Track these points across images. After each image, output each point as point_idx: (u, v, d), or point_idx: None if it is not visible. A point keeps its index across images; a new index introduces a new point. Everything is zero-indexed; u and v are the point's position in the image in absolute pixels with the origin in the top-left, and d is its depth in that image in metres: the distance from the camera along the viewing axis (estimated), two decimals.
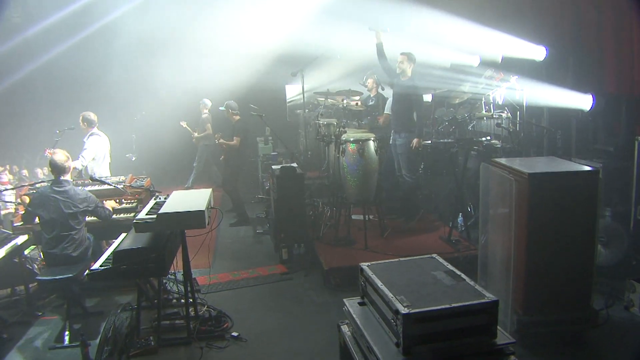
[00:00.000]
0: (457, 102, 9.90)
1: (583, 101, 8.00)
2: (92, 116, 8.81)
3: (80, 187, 6.60)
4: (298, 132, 13.22)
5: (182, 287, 6.28)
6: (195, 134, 13.11)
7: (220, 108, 10.39)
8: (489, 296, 3.24)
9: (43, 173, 9.15)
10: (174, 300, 6.80)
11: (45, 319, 6.65)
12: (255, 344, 5.86)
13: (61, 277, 5.94)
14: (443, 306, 3.15)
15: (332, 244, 8.30)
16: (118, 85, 12.67)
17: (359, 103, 11.28)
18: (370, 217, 8.79)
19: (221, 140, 10.24)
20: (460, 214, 8.58)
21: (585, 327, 5.53)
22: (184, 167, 13.60)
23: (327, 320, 6.11)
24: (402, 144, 8.72)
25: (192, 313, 6.14)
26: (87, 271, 5.47)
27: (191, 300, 6.12)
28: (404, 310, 3.08)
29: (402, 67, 8.65)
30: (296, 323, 6.38)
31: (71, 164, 6.63)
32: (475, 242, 7.79)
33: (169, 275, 6.62)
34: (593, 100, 7.93)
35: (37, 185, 7.06)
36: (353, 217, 8.86)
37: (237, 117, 10.21)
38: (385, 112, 10.25)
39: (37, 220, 6.40)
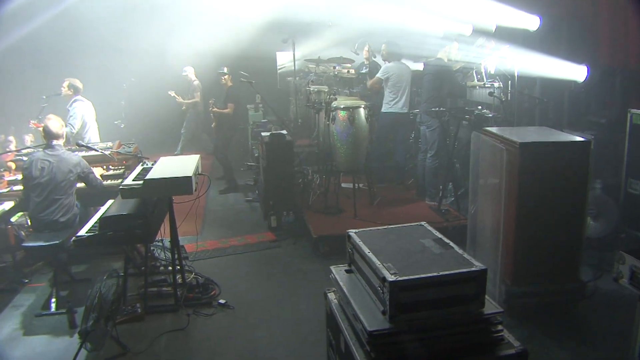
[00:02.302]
0: None
1: (577, 72, 7.93)
2: (78, 83, 8.72)
3: (74, 154, 6.54)
4: (289, 99, 13.13)
5: (169, 254, 6.24)
6: (183, 100, 12.97)
7: (220, 71, 10.25)
8: (478, 265, 3.20)
9: (31, 140, 9.04)
10: (162, 268, 6.77)
11: (31, 286, 6.64)
12: (243, 311, 5.86)
13: (48, 243, 5.91)
14: (431, 274, 3.11)
15: (321, 212, 8.29)
16: (105, 52, 12.51)
17: (351, 70, 11.20)
18: (360, 185, 8.75)
19: (214, 109, 10.15)
20: (451, 183, 8.55)
21: (574, 298, 5.55)
22: (174, 134, 13.50)
23: (315, 288, 6.08)
24: (430, 126, 8.64)
25: (180, 280, 6.13)
26: (73, 238, 5.42)
27: (178, 267, 6.10)
28: (391, 277, 3.04)
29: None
30: (284, 290, 6.39)
31: (64, 131, 6.59)
32: (464, 212, 7.78)
33: (157, 242, 6.58)
34: (587, 71, 7.86)
35: (24, 152, 6.99)
36: (343, 185, 8.85)
37: (231, 84, 10.13)
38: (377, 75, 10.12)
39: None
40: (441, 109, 8.35)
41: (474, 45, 9.27)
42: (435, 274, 3.13)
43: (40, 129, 6.63)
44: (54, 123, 6.36)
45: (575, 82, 7.99)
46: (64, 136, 6.60)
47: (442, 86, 8.56)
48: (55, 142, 6.33)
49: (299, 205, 8.57)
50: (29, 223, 6.57)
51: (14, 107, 10.98)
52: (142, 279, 6.07)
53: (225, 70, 10.21)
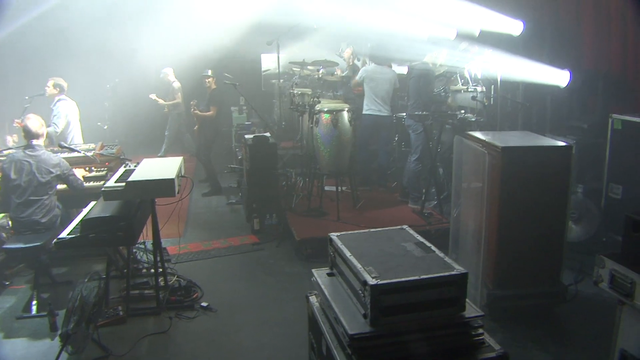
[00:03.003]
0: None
1: (560, 77, 7.99)
2: (63, 82, 8.67)
3: (54, 154, 6.50)
4: (273, 102, 13.12)
5: (151, 257, 6.23)
6: (165, 103, 12.92)
7: (204, 74, 10.24)
8: (458, 268, 3.22)
9: (13, 140, 8.98)
10: (144, 270, 6.76)
11: (12, 288, 6.60)
12: (225, 314, 5.85)
13: (29, 245, 5.87)
14: (412, 277, 3.12)
15: (305, 214, 8.29)
16: (89, 54, 12.42)
17: (339, 72, 11.20)
18: (343, 188, 8.76)
19: (196, 111, 10.13)
20: (434, 187, 8.58)
21: (555, 301, 5.60)
22: (157, 136, 13.45)
23: (298, 291, 6.09)
24: (415, 129, 8.67)
25: (162, 283, 6.11)
26: (55, 240, 5.39)
27: (161, 270, 6.08)
28: (372, 281, 3.05)
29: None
30: (267, 293, 6.38)
31: (44, 130, 6.52)
32: (447, 215, 7.81)
33: (139, 245, 6.56)
34: (570, 76, 7.93)
35: (5, 152, 6.95)
36: (326, 188, 8.84)
37: (215, 87, 10.12)
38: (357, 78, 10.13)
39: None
40: (424, 112, 8.38)
41: (458, 49, 9.32)
42: (416, 277, 3.14)
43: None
44: (34, 122, 6.31)
45: (557, 87, 8.06)
46: (44, 135, 6.55)
47: (427, 89, 8.59)
48: (35, 141, 6.28)
49: (283, 207, 8.56)
50: (10, 225, 6.52)
51: None
52: (124, 281, 6.07)
53: (210, 72, 10.19)
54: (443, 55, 8.78)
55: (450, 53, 9.14)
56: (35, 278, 6.14)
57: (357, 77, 9.43)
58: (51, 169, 6.22)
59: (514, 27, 8.84)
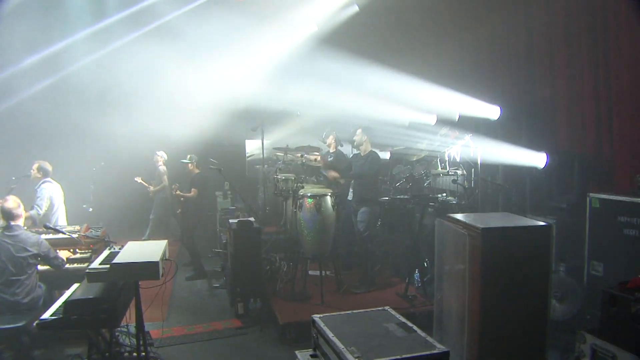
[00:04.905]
0: (414, 159, 10.04)
1: (537, 159, 8.21)
2: (48, 166, 8.78)
3: (33, 234, 6.53)
4: (257, 187, 13.21)
5: (134, 340, 6.17)
6: (152, 188, 13.00)
7: (183, 161, 10.40)
8: (440, 347, 3.26)
9: None
10: (126, 354, 6.65)
11: None
12: None
13: (10, 326, 5.83)
14: (394, 357, 3.15)
15: (289, 298, 8.28)
16: (76, 136, 12.60)
17: (318, 158, 11.34)
18: (327, 272, 8.77)
19: (178, 192, 10.23)
20: (417, 269, 8.62)
21: None
22: (142, 219, 13.43)
23: None
24: (364, 215, 8.84)
25: None
26: (37, 321, 5.36)
27: (143, 353, 6.01)
28: None
29: (359, 141, 8.86)
30: None
31: (21, 211, 6.57)
32: (431, 297, 7.80)
33: (122, 328, 6.51)
34: (547, 158, 8.14)
35: None
36: (310, 272, 8.85)
37: (197, 170, 10.26)
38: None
39: None
40: (406, 196, 8.53)
41: (438, 134, 9.54)
42: (398, 356, 3.17)
43: None
44: (10, 203, 6.39)
45: (536, 169, 8.26)
46: (22, 216, 6.60)
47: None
48: (13, 222, 6.34)
49: (267, 292, 8.54)
50: None
51: None
52: None
53: (188, 159, 10.36)
54: (360, 134, 8.98)
55: (430, 138, 9.35)
56: None
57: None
58: (29, 248, 6.26)
59: (492, 112, 9.12)
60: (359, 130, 8.99)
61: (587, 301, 7.05)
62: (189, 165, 10.40)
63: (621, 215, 6.67)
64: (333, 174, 9.09)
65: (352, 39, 12.03)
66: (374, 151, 8.97)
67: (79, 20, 11.65)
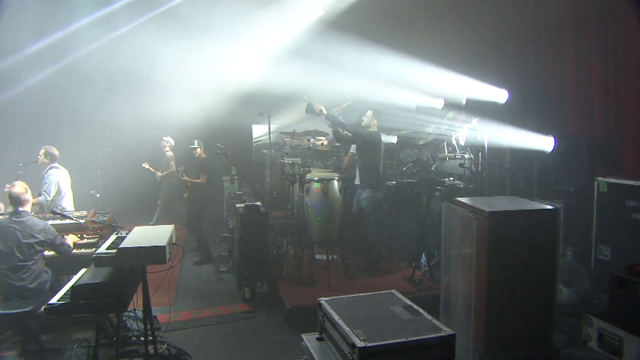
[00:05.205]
0: (421, 143, 10.01)
1: (545, 143, 8.16)
2: (55, 151, 8.79)
3: (40, 220, 6.54)
4: (264, 171, 13.20)
5: (141, 325, 6.19)
6: (159, 173, 13.01)
7: (192, 146, 10.41)
8: (446, 330, 3.25)
9: (5, 208, 9.02)
10: (133, 338, 6.69)
11: (0, 355, 6.51)
12: None
13: (17, 311, 5.85)
14: (400, 340, 3.15)
15: (295, 283, 8.29)
16: (83, 122, 12.60)
17: (325, 143, 11.33)
18: (334, 256, 8.78)
19: (184, 177, 10.23)
20: (424, 254, 8.62)
21: None
22: (149, 205, 13.45)
23: (289, 359, 6.06)
24: (367, 200, 8.80)
25: (152, 351, 6.04)
26: (44, 306, 5.37)
27: (151, 338, 6.03)
28: (360, 344, 3.08)
29: (368, 123, 8.78)
30: None
31: (29, 197, 6.58)
32: (438, 281, 7.81)
33: (129, 312, 6.53)
34: (554, 141, 8.10)
35: None
36: (317, 256, 8.87)
37: (205, 155, 10.26)
38: (350, 151, 10.26)
39: None
40: (413, 180, 8.51)
41: (445, 118, 9.49)
42: (404, 339, 3.17)
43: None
44: (18, 189, 6.40)
45: (543, 152, 8.22)
46: (30, 202, 6.61)
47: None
48: (20, 208, 6.35)
49: (274, 276, 8.56)
50: None
51: None
52: (114, 349, 6.01)
53: (196, 144, 10.36)
54: (371, 117, 8.92)
55: (437, 122, 9.31)
56: (23, 345, 6.09)
57: (352, 150, 9.59)
58: (35, 234, 6.26)
59: (500, 95, 9.06)
60: (370, 112, 8.90)
61: (594, 285, 7.05)
62: (197, 150, 10.40)
63: (629, 199, 6.65)
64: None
65: (358, 23, 11.96)
66: (377, 132, 8.89)
67: (85, 6, 11.61)
